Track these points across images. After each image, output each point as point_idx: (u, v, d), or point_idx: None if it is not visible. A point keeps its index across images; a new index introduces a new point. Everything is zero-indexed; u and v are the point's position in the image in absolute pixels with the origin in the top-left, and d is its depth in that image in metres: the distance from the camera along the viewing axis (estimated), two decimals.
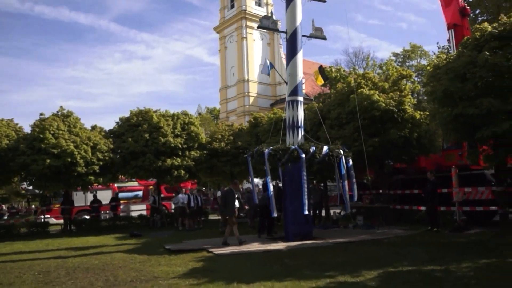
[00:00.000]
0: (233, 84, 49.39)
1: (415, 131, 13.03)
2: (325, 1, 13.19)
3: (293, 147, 10.97)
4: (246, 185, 30.98)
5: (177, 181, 18.98)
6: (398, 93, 13.36)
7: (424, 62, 38.62)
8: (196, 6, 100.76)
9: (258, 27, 13.13)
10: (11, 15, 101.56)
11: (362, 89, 13.26)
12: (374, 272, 6.70)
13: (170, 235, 14.97)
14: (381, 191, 14.82)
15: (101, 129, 19.22)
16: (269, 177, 11.35)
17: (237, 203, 11.37)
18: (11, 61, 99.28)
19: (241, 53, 47.92)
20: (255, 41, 48.84)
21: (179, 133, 18.63)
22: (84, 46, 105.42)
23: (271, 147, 11.19)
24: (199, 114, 58.44)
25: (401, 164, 16.16)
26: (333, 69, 34.87)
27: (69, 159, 16.07)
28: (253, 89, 48.18)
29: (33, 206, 28.53)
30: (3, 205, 36.68)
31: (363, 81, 13.91)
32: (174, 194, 19.14)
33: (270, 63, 12.73)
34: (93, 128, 19.10)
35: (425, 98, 17.25)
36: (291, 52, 12.28)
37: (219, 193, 17.90)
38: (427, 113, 13.01)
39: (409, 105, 13.14)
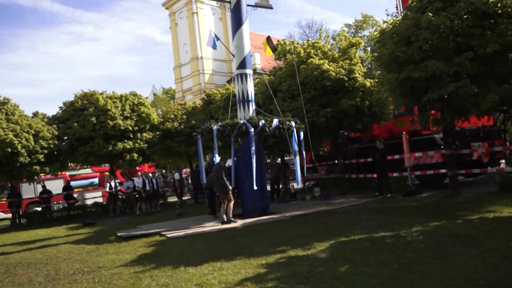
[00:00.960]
0: (187, 62, 48.05)
1: (366, 99, 13.01)
2: None
3: (241, 121, 10.63)
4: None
5: (131, 165, 18.28)
6: (348, 61, 13.23)
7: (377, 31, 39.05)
8: None
9: None
10: None
11: (312, 59, 13.02)
12: (325, 243, 6.59)
13: (126, 221, 14.44)
14: (336, 161, 14.87)
15: (44, 115, 18.06)
16: (216, 155, 11.00)
17: None
18: None
19: (192, 30, 46.48)
20: (207, 16, 47.44)
21: (128, 115, 17.80)
22: (26, 29, 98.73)
23: (219, 123, 10.81)
24: (154, 95, 56.70)
25: (355, 134, 16.28)
26: (287, 42, 34.53)
27: (9, 149, 14.96)
28: (208, 66, 47.13)
29: None
30: None
31: (312, 50, 13.65)
32: (125, 180, 18.44)
33: (216, 35, 12.17)
34: (35, 115, 17.91)
35: (373, 66, 17.25)
36: (236, 23, 11.79)
37: (177, 175, 17.47)
38: (377, 80, 13.00)
39: (359, 74, 13.06)
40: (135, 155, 17.38)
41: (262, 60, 45.04)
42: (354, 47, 13.93)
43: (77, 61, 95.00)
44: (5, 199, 19.29)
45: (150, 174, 18.11)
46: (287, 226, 8.80)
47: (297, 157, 11.09)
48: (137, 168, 21.36)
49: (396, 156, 13.48)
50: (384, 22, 11.08)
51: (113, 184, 17.69)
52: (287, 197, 14.99)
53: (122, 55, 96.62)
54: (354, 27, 41.71)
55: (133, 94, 18.98)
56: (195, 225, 10.73)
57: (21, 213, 18.33)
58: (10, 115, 16.49)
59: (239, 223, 10.18)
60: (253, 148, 10.31)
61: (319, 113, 12.72)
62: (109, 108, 17.27)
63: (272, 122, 10.70)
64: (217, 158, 10.80)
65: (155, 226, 11.45)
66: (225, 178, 10.36)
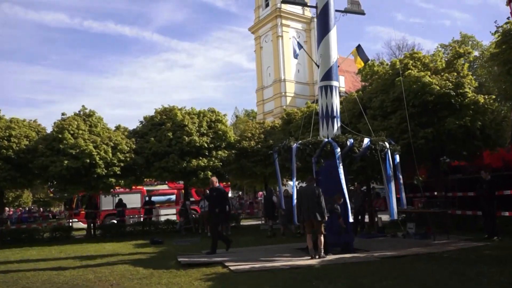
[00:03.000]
0: (270, 85, 47.78)
1: (477, 119, 10.68)
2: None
3: (326, 140, 9.06)
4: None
5: (205, 184, 17.43)
6: (455, 74, 11.07)
7: (476, 53, 34.86)
8: (234, 13, 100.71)
9: (283, 1, 11.40)
10: (62, 30, 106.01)
11: (410, 71, 11.10)
12: None
13: (194, 243, 13.49)
14: (436, 193, 12.49)
15: (125, 129, 18.15)
16: (294, 178, 9.49)
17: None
18: (64, 73, 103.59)
19: (277, 52, 46.30)
20: (291, 39, 46.97)
21: (205, 131, 17.20)
22: (129, 56, 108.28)
23: (300, 141, 9.36)
24: (236, 116, 57.36)
25: (458, 162, 13.75)
26: (375, 63, 32.39)
27: (88, 160, 15.01)
28: (290, 89, 46.36)
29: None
30: (37, 208, 36.90)
31: (411, 61, 11.69)
32: (201, 198, 17.67)
33: (298, 43, 10.90)
34: (117, 128, 18.08)
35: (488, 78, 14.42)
36: (323, 29, 10.40)
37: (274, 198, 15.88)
38: (493, 96, 10.61)
39: (469, 88, 10.80)
40: (209, 173, 16.56)
41: (347, 82, 43.19)
42: (462, 58, 11.68)
43: (170, 85, 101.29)
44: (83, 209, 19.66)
45: None
46: (378, 272, 6.92)
47: (392, 185, 9.21)
48: None
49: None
50: (506, 22, 8.87)
51: (188, 202, 17.03)
52: (374, 232, 12.92)
53: (210, 80, 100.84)
54: (450, 48, 38.06)
55: (211, 110, 18.44)
56: (265, 257, 9.27)
57: (97, 224, 18.47)
58: (94, 127, 16.74)
59: (316, 260, 8.50)
60: (341, 170, 8.63)
61: (417, 134, 10.67)
62: (186, 123, 16.82)
63: (362, 141, 8.99)
64: (295, 183, 9.30)
65: (220, 253, 10.21)
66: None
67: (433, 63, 11.90)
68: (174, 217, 20.90)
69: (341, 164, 8.64)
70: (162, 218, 20.33)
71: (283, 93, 45.78)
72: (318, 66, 10.52)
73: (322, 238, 8.56)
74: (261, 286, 6.33)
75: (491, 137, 10.96)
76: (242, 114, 60.75)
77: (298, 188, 9.97)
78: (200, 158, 16.59)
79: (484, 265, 6.93)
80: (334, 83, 10.31)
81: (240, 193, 34.62)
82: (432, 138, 10.76)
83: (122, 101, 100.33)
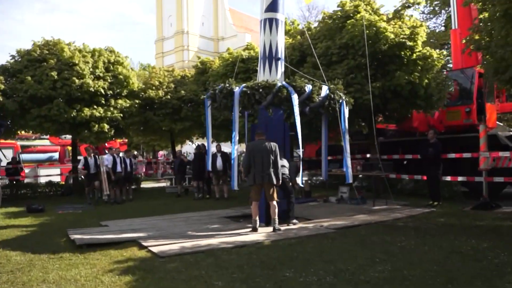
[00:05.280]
0: (171, 36, 43.95)
1: (424, 76, 9.78)
2: None
3: (279, 83, 7.17)
4: (185, 148, 26.91)
5: (99, 139, 14.29)
6: (408, 23, 9.96)
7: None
8: None
9: None
10: None
11: (361, 14, 9.64)
12: None
13: (87, 210, 10.83)
14: (368, 155, 11.62)
15: None
16: (235, 132, 7.48)
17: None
18: None
19: (180, 1, 42.39)
20: None
21: (101, 74, 13.95)
22: None
23: (244, 84, 7.32)
24: (132, 69, 52.16)
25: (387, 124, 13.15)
26: (287, 22, 31.28)
27: None
28: (194, 43, 43.24)
29: None
30: None
31: (362, 4, 10.23)
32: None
33: None
34: None
35: None
36: None
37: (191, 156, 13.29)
38: (445, 52, 9.77)
39: (421, 40, 9.78)
40: (106, 126, 13.57)
41: (254, 41, 41.58)
42: (411, 8, 10.57)
43: (50, 31, 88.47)
44: None
45: (121, 153, 14.31)
46: (353, 249, 5.43)
47: (347, 143, 7.85)
48: (106, 144, 17.52)
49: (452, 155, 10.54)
50: None
51: (92, 160, 13.58)
52: (301, 196, 11.70)
53: (99, 30, 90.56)
54: None
55: (109, 50, 15.11)
56: (190, 230, 7.25)
57: None
58: None
59: (260, 234, 6.76)
60: (298, 121, 6.90)
61: (364, 87, 9.39)
62: (77, 62, 13.37)
63: (320, 89, 7.33)
64: (236, 137, 7.28)
65: (129, 225, 7.90)
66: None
67: (382, 10, 10.65)
68: (58, 179, 17.43)
69: (298, 114, 6.88)
70: (43, 180, 16.70)
71: (186, 47, 42.56)
72: None
73: (276, 206, 6.83)
74: (209, 279, 4.33)
75: (433, 97, 10.20)
76: (137, 67, 55.48)
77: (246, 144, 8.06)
78: (95, 107, 13.46)
79: (465, 237, 5.90)
80: (280, 16, 8.36)
81: (136, 152, 31.31)
82: (378, 94, 9.61)
83: None
